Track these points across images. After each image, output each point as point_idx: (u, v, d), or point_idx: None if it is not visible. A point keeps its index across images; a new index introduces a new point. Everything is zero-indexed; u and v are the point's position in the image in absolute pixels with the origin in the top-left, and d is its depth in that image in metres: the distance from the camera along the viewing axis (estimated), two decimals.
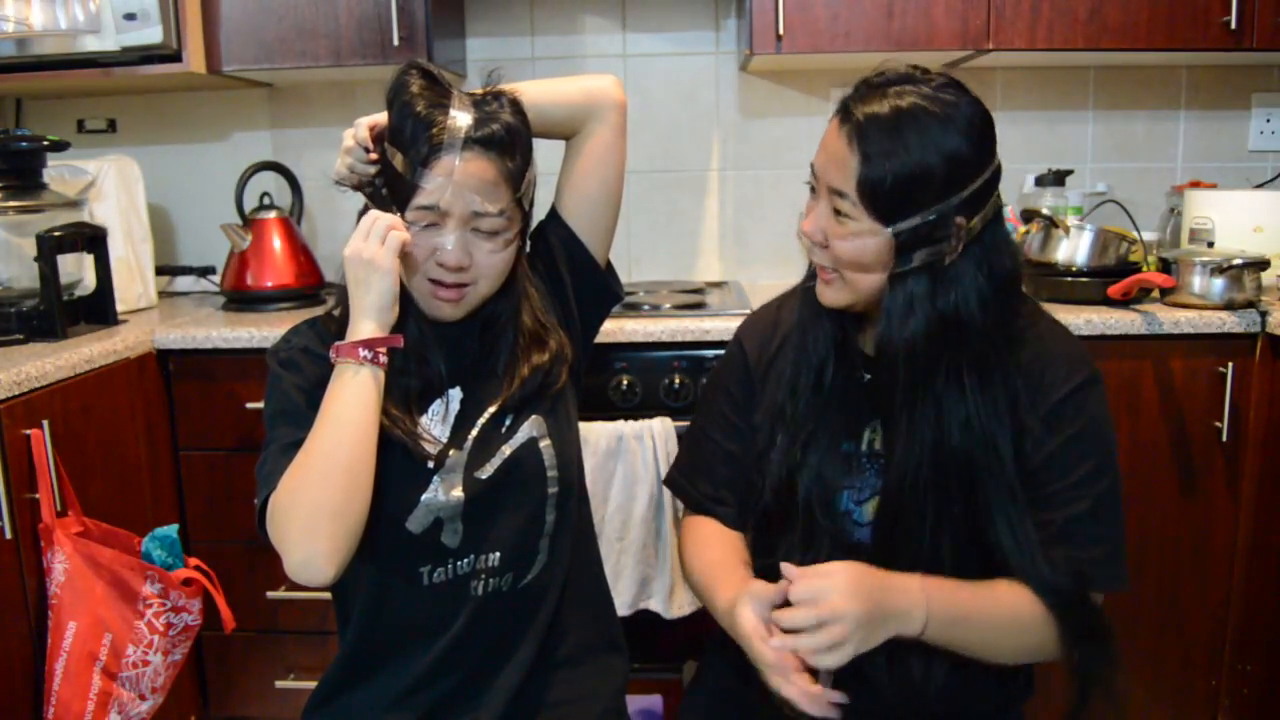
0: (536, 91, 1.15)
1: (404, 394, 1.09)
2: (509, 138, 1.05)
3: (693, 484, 1.24)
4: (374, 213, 1.03)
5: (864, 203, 0.99)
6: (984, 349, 1.02)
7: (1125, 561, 1.07)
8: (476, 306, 1.11)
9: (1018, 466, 1.03)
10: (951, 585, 1.00)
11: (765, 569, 1.07)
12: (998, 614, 1.01)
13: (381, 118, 1.07)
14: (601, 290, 1.26)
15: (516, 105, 1.09)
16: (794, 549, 1.08)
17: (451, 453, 1.10)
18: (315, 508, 0.96)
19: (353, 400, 1.00)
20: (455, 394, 1.13)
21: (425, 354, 1.11)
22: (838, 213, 1.02)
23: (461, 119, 1.02)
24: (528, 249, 1.22)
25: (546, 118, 1.16)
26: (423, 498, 1.07)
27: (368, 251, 1.00)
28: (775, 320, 1.22)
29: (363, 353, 1.01)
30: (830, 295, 1.08)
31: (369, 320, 1.02)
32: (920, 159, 0.97)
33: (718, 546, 1.18)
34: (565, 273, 1.23)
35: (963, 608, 1.00)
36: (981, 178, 0.99)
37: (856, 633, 0.92)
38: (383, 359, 1.02)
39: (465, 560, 1.10)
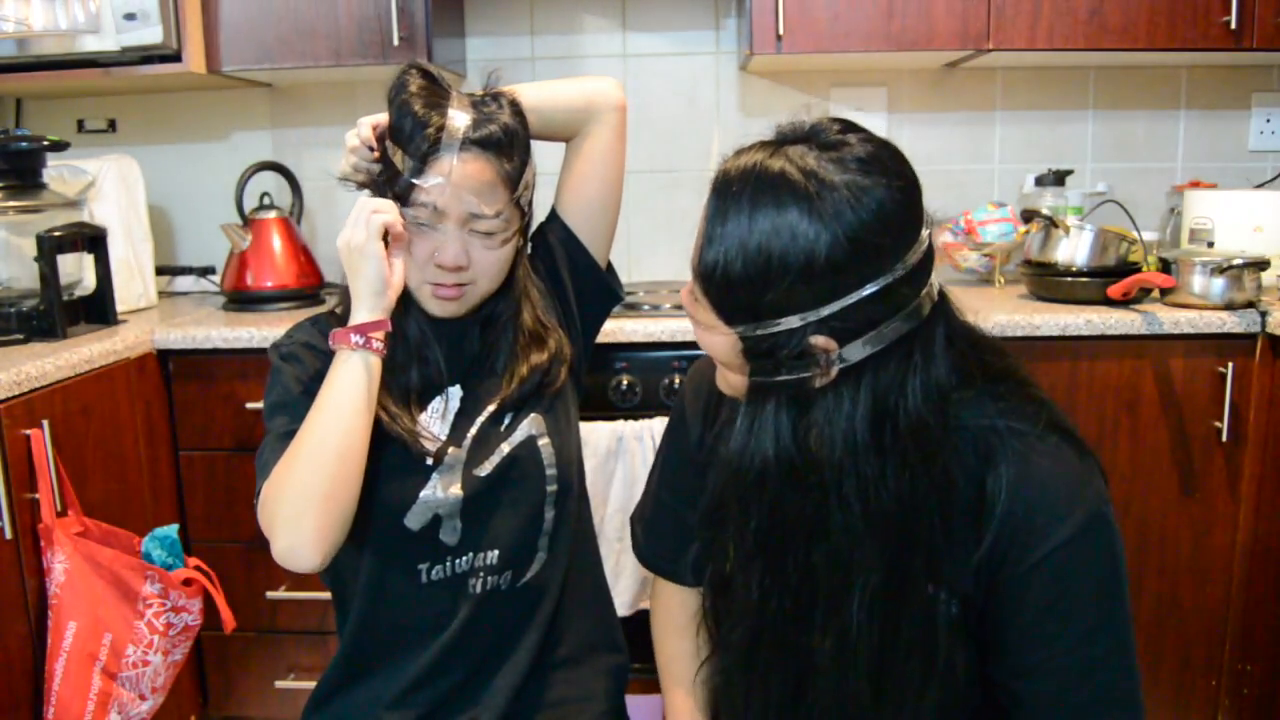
0: (536, 94, 1.15)
1: (404, 391, 1.10)
2: (506, 139, 1.05)
3: (646, 539, 1.15)
4: (360, 200, 1.03)
5: (702, 290, 0.81)
6: (843, 515, 0.80)
7: (1137, 708, 0.86)
8: (478, 304, 1.11)
9: (990, 633, 0.85)
10: None
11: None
12: None
13: (384, 117, 1.07)
14: (602, 291, 1.26)
15: (515, 106, 1.09)
16: (736, 668, 0.95)
17: (451, 450, 1.10)
18: (303, 492, 0.96)
19: (345, 386, 1.00)
20: (455, 392, 1.13)
21: (426, 352, 1.11)
22: (694, 292, 0.84)
23: (459, 119, 1.02)
24: (528, 250, 1.22)
25: (546, 121, 1.16)
26: (421, 494, 1.07)
27: (355, 239, 1.01)
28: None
29: (353, 338, 1.01)
30: (719, 382, 0.91)
31: (363, 306, 1.02)
32: (762, 251, 0.75)
33: (678, 635, 1.10)
34: (566, 274, 1.23)
35: None
36: (853, 295, 0.76)
37: None
38: (376, 345, 1.02)
39: (464, 558, 1.10)
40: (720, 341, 0.83)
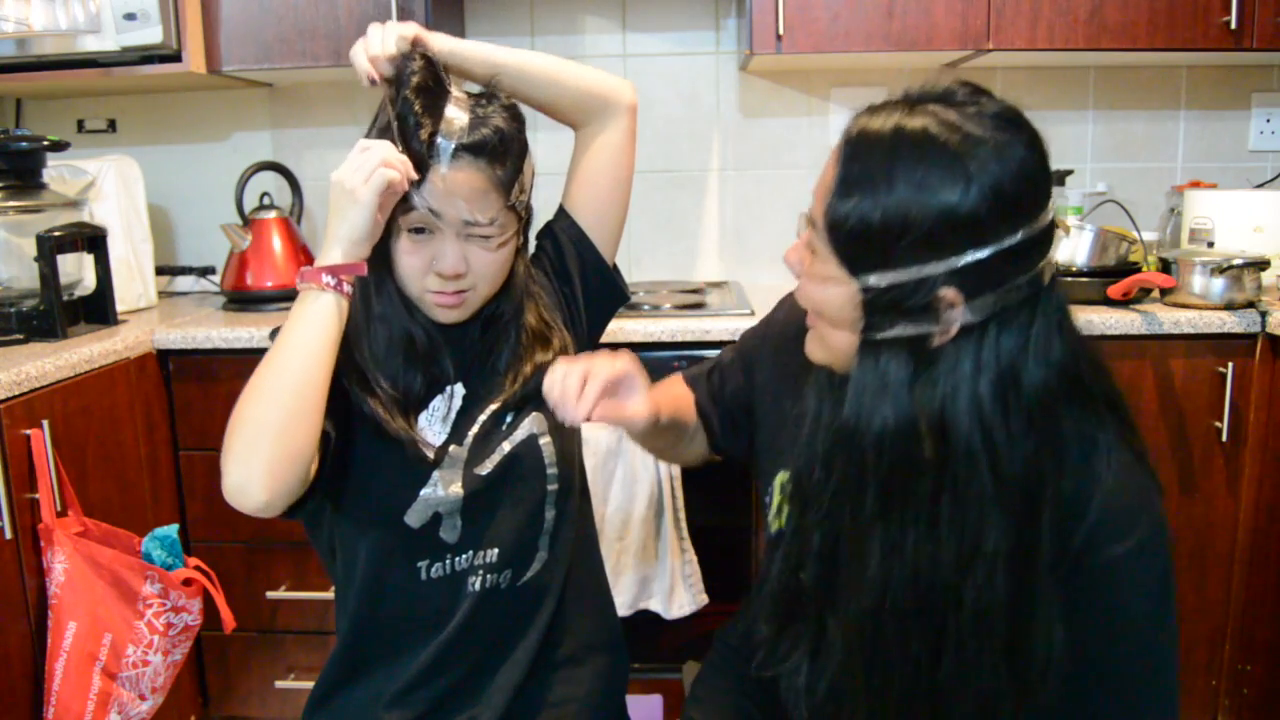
0: (557, 67, 1.15)
1: (407, 395, 1.09)
2: (500, 144, 1.03)
3: (700, 370, 1.21)
4: (368, 143, 0.99)
5: (829, 239, 0.81)
6: (970, 476, 0.79)
7: None
8: (479, 308, 1.11)
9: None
10: None
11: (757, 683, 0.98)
12: None
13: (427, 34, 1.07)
14: (609, 289, 1.26)
15: (512, 110, 1.08)
16: (800, 647, 0.93)
17: (452, 448, 1.10)
18: (257, 426, 0.94)
19: (309, 324, 0.98)
20: (458, 390, 1.13)
21: (435, 355, 1.11)
22: (810, 247, 0.85)
23: (454, 122, 1.02)
24: (534, 248, 1.22)
25: (562, 96, 1.16)
26: (422, 492, 1.07)
27: (351, 182, 0.97)
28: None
29: (326, 278, 0.98)
30: (810, 346, 0.91)
31: (337, 249, 0.99)
32: (902, 201, 0.76)
33: (662, 390, 1.15)
34: (575, 272, 1.23)
35: None
36: (989, 248, 0.76)
37: None
38: (346, 288, 1.00)
39: (463, 556, 1.10)
40: (837, 295, 0.82)
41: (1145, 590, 0.83)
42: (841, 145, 0.81)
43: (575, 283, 1.23)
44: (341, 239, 0.98)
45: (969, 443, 0.79)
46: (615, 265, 1.27)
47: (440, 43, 1.09)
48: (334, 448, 1.02)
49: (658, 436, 1.12)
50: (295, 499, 0.97)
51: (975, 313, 0.78)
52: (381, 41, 1.05)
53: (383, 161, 0.96)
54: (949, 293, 0.77)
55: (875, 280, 0.79)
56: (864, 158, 0.79)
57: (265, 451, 0.93)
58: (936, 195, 0.75)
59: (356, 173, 0.97)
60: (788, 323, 1.07)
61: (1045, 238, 0.80)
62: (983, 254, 0.76)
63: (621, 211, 1.24)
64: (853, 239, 0.79)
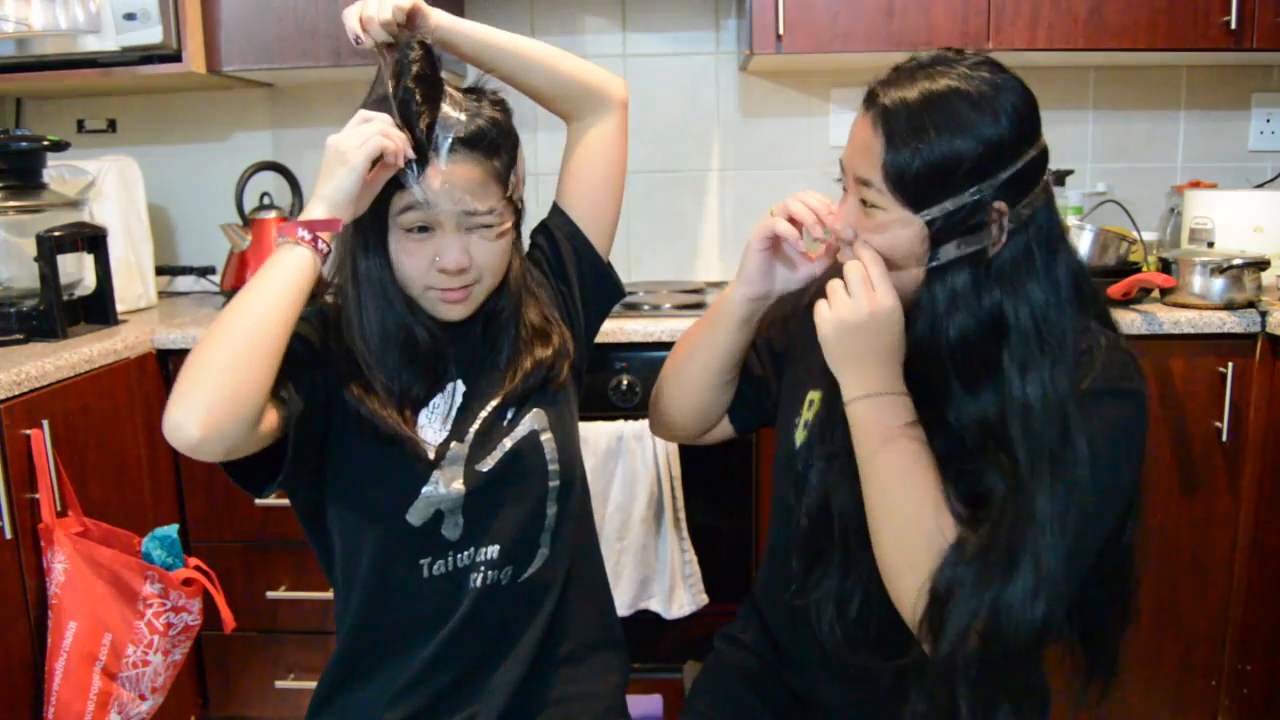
0: (553, 55, 1.16)
1: (404, 392, 1.09)
2: (496, 135, 1.05)
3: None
4: (369, 114, 1.01)
5: (891, 189, 0.93)
6: (1031, 354, 0.93)
7: (1032, 604, 0.87)
8: (483, 302, 1.11)
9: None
10: (911, 436, 0.94)
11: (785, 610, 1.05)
12: (912, 493, 0.93)
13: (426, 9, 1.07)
14: (605, 285, 1.26)
15: (502, 105, 1.09)
16: (831, 572, 1.02)
17: (453, 445, 1.10)
18: (205, 364, 0.93)
19: (277, 274, 0.98)
20: (458, 387, 1.13)
21: (439, 353, 1.11)
22: (865, 203, 0.96)
23: (451, 117, 1.03)
24: (530, 246, 1.22)
25: (557, 84, 1.17)
26: (423, 490, 1.07)
27: (344, 144, 0.98)
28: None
29: (301, 232, 0.99)
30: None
31: (320, 206, 0.99)
32: (951, 142, 0.91)
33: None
34: (571, 269, 1.23)
35: (895, 445, 0.94)
36: (1021, 160, 0.93)
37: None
38: (322, 245, 1.00)
39: (465, 553, 1.10)
40: (904, 236, 0.95)
41: (1118, 430, 0.94)
42: (877, 113, 0.95)
43: (572, 279, 1.23)
44: (325, 197, 0.99)
45: (1035, 329, 0.93)
46: (609, 262, 1.27)
47: (439, 17, 1.09)
48: (295, 418, 1.01)
49: (747, 333, 1.17)
50: (234, 448, 0.95)
51: (1017, 218, 0.93)
52: (378, 5, 1.05)
53: (380, 131, 0.98)
54: (999, 205, 0.92)
55: (938, 211, 0.93)
56: (905, 118, 0.92)
57: (208, 388, 0.92)
58: (979, 130, 0.91)
59: (353, 137, 0.98)
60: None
61: (1046, 149, 0.97)
62: (1020, 164, 0.92)
63: (615, 206, 1.25)
64: (917, 181, 0.92)
